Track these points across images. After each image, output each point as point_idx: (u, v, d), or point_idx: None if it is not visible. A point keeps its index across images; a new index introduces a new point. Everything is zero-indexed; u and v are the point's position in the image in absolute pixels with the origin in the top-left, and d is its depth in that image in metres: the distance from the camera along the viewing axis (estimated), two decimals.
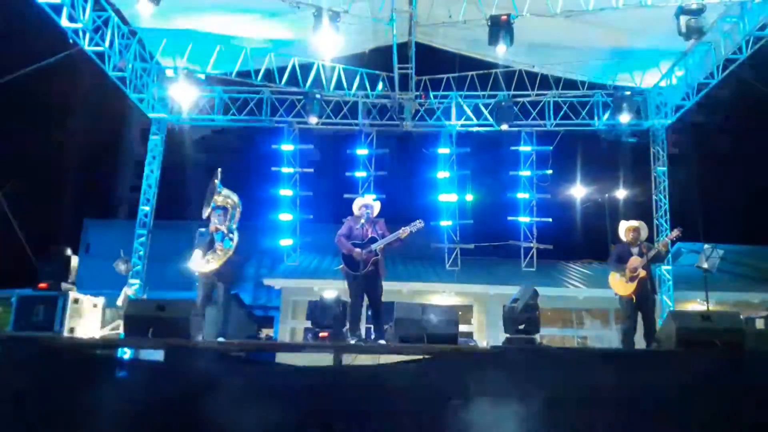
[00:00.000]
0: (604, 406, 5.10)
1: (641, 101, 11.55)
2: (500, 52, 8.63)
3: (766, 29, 8.67)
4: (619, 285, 7.42)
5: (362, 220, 7.03)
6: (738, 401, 5.14)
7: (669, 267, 11.40)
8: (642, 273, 7.22)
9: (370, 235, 6.97)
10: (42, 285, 6.53)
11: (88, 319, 6.70)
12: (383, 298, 7.05)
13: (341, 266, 7.06)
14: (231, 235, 7.02)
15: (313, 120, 11.20)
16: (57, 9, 8.12)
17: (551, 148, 11.80)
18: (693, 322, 6.04)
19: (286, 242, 11.81)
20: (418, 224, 6.95)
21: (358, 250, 6.86)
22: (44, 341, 5.87)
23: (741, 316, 6.33)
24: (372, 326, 7.18)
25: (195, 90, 10.73)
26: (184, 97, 10.62)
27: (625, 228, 7.67)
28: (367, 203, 7.29)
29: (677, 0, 7.95)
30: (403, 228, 6.89)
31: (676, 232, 7.76)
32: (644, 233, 7.68)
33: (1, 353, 5.46)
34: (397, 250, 7.29)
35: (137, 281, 10.79)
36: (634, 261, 7.32)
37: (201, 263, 6.86)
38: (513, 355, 5.70)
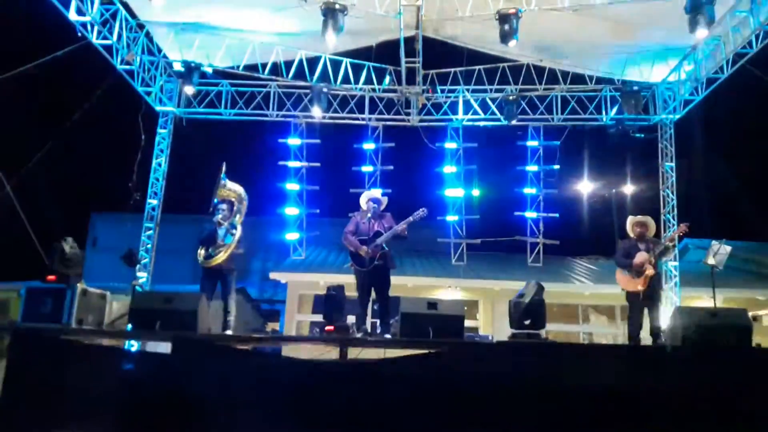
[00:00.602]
0: (608, 401, 5.10)
1: (649, 96, 11.51)
2: (510, 46, 8.61)
3: None
4: (626, 281, 7.39)
5: (368, 215, 7.04)
6: (744, 398, 5.12)
7: (676, 263, 11.34)
8: (649, 269, 7.18)
9: (375, 230, 6.98)
10: (50, 277, 6.59)
11: (95, 310, 6.75)
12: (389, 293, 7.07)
13: (350, 264, 7.08)
14: (233, 230, 7.08)
15: (317, 113, 11.18)
16: (65, 2, 8.16)
17: (558, 143, 11.76)
18: (699, 319, 6.02)
19: (292, 236, 11.84)
20: (421, 212, 6.95)
21: (364, 248, 6.87)
22: (53, 332, 5.91)
23: (748, 313, 6.31)
24: (378, 320, 7.20)
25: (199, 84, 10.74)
26: (190, 90, 10.65)
27: (632, 223, 7.63)
28: (374, 197, 7.29)
29: None
30: (406, 219, 6.90)
31: (683, 228, 7.71)
32: (651, 229, 7.64)
33: (11, 344, 5.50)
34: (403, 244, 7.28)
35: (144, 274, 10.85)
36: (641, 257, 7.28)
37: (205, 257, 6.95)
38: (519, 349, 5.71)
